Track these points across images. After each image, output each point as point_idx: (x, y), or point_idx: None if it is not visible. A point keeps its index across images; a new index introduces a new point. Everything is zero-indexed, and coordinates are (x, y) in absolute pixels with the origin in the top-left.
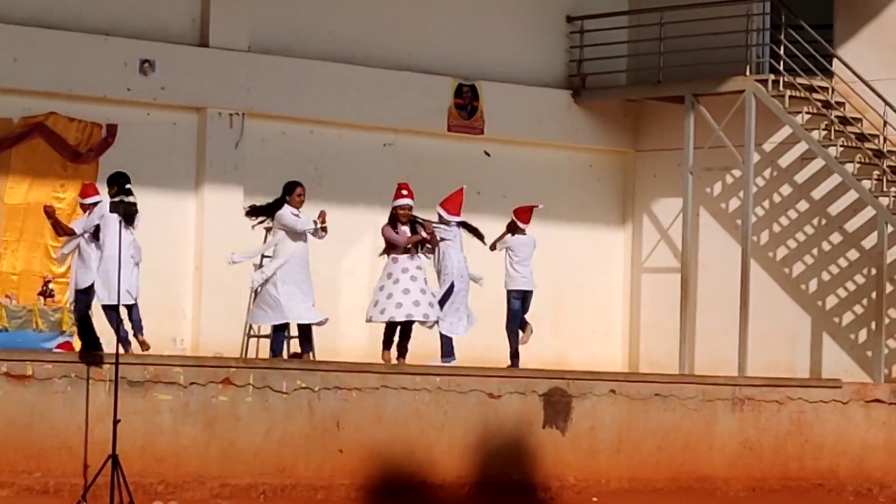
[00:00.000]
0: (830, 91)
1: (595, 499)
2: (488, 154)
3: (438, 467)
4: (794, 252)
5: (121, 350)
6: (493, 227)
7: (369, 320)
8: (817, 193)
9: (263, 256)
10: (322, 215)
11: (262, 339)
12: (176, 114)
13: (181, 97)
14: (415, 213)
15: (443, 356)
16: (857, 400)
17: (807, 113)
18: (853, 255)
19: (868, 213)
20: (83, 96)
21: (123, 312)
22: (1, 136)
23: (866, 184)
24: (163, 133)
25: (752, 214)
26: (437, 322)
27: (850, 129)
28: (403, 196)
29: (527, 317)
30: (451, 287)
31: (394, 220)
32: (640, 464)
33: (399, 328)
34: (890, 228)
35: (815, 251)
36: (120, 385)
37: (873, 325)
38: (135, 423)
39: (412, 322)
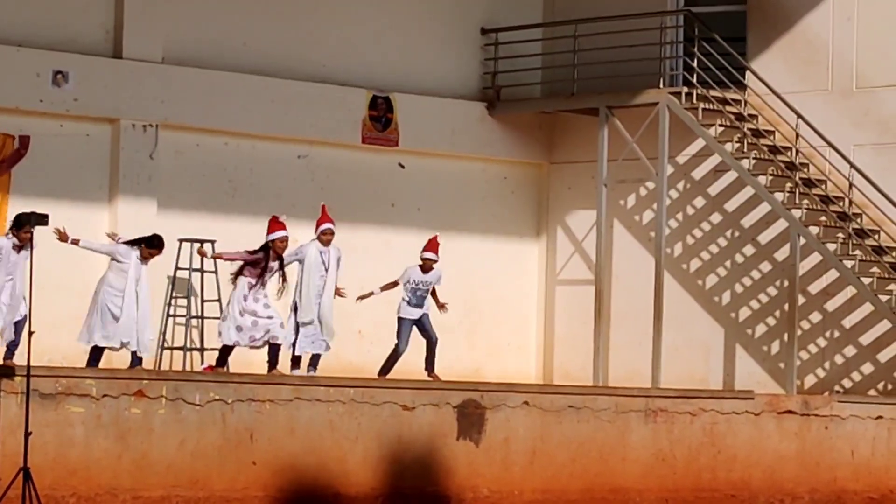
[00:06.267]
0: (743, 104)
1: None
2: (402, 166)
3: (352, 479)
4: (707, 264)
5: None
6: (406, 239)
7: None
8: (730, 205)
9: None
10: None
11: (175, 351)
12: (89, 125)
13: (94, 108)
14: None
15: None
16: (769, 411)
17: (720, 125)
18: (766, 266)
19: (780, 225)
20: None
21: None
22: None
23: (779, 196)
24: (76, 145)
25: (666, 227)
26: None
27: (762, 141)
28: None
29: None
30: None
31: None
32: (554, 475)
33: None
34: (802, 240)
35: (728, 263)
36: (31, 397)
37: (786, 337)
38: (46, 436)
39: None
